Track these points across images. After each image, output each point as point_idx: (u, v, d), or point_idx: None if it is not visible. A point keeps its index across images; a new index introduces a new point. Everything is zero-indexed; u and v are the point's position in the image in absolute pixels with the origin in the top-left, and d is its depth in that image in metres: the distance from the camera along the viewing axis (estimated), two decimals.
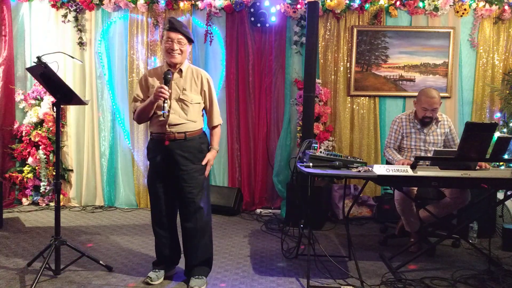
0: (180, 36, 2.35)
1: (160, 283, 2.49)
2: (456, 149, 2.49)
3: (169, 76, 2.31)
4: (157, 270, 2.54)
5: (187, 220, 2.44)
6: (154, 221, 2.53)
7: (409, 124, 3.12)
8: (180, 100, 2.39)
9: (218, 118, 2.56)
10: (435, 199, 3.04)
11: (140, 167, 4.41)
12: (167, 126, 2.36)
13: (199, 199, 2.42)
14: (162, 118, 2.34)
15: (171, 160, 2.39)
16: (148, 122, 2.50)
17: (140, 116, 2.45)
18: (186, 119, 2.39)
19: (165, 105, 2.25)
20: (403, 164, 2.78)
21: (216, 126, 2.55)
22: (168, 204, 2.48)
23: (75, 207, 4.41)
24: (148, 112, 2.40)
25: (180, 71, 2.43)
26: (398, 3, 4.12)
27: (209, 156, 2.48)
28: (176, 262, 2.66)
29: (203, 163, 2.44)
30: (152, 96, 2.31)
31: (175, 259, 2.63)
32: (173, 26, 2.34)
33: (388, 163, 3.15)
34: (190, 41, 2.45)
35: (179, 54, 2.37)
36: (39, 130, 4.32)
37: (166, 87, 2.27)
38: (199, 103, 2.45)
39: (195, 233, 2.44)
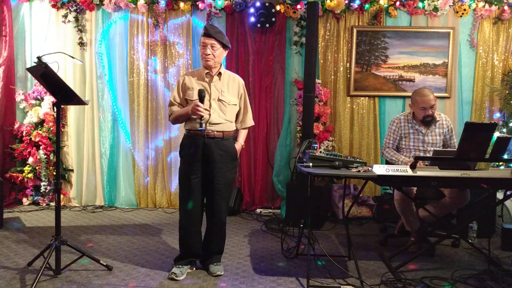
0: (214, 42, 2.50)
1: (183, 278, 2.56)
2: (454, 149, 2.49)
3: (203, 94, 2.44)
4: (180, 266, 2.61)
5: (216, 213, 2.62)
6: (185, 215, 2.62)
7: (407, 124, 3.12)
8: (219, 101, 2.56)
9: (252, 120, 2.78)
10: (435, 199, 3.04)
11: (140, 167, 4.42)
12: (208, 124, 2.51)
13: (226, 195, 2.64)
14: (200, 128, 2.45)
15: (208, 156, 2.54)
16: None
17: (177, 121, 2.65)
18: (224, 119, 2.57)
19: (202, 121, 2.42)
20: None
21: (247, 128, 2.79)
22: (200, 198, 2.62)
23: (76, 207, 4.41)
24: (183, 120, 2.60)
25: (220, 74, 2.60)
26: (397, 3, 4.13)
27: (237, 147, 2.69)
28: (200, 256, 2.72)
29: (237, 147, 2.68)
30: (190, 110, 2.46)
31: (199, 253, 2.70)
32: (207, 32, 2.50)
33: (387, 163, 3.15)
34: (225, 46, 2.58)
35: (212, 58, 2.52)
36: (40, 130, 4.32)
37: (202, 105, 2.42)
38: (235, 105, 2.64)
39: (221, 225, 2.66)
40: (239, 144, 2.72)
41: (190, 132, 2.58)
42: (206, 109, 2.48)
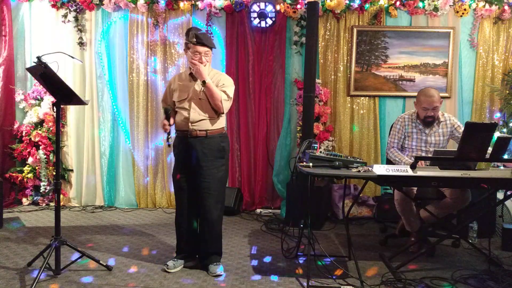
0: (207, 49, 2.58)
1: (177, 271, 2.65)
2: (455, 149, 2.49)
3: (169, 112, 2.63)
4: (175, 260, 2.70)
5: (205, 212, 2.64)
6: (176, 212, 2.75)
7: (411, 124, 3.11)
8: (200, 100, 2.60)
9: (223, 95, 2.59)
10: (435, 199, 3.04)
11: (140, 167, 4.41)
12: (189, 124, 2.58)
13: (215, 194, 2.63)
14: (168, 142, 2.65)
15: (193, 155, 2.60)
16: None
17: None
18: (205, 115, 2.60)
19: (169, 136, 2.64)
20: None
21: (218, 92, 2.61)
22: (190, 197, 2.68)
23: (75, 207, 4.41)
24: None
25: None
26: (398, 3, 4.12)
27: (203, 69, 2.53)
28: (195, 253, 2.77)
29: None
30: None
31: (193, 250, 2.76)
32: (201, 41, 2.54)
33: (390, 163, 3.14)
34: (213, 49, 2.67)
35: (204, 66, 2.57)
36: (39, 130, 4.32)
37: (167, 122, 2.62)
38: None
39: (210, 223, 2.65)
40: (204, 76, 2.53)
41: (177, 131, 2.69)
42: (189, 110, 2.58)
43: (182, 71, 2.80)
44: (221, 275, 2.61)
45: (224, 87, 2.63)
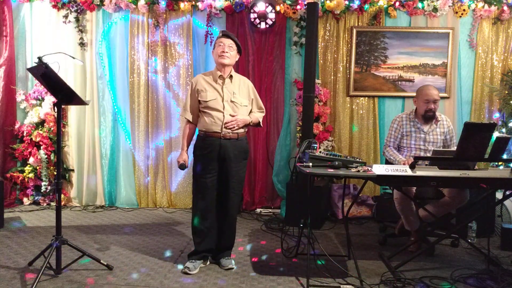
0: (231, 42, 2.67)
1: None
2: (454, 149, 2.50)
3: (184, 168, 2.74)
4: (193, 260, 2.70)
5: (229, 209, 2.74)
6: (200, 212, 2.71)
7: (409, 123, 3.14)
8: (232, 102, 2.67)
9: (259, 114, 2.86)
10: (434, 199, 3.05)
11: (141, 167, 4.43)
12: (223, 126, 2.62)
13: (238, 193, 2.79)
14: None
15: (223, 157, 2.65)
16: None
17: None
18: None
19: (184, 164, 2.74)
20: (404, 164, 2.78)
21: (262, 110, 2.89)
22: (214, 196, 2.73)
23: (76, 206, 4.42)
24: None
25: (231, 77, 2.72)
26: (397, 4, 4.14)
27: (240, 116, 2.67)
28: (213, 252, 2.81)
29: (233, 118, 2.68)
30: (179, 156, 2.77)
31: (213, 248, 2.79)
32: (226, 34, 2.68)
33: (387, 162, 3.17)
34: (239, 51, 2.74)
35: (228, 57, 2.65)
36: (40, 130, 4.33)
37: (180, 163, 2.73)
38: (247, 106, 2.76)
39: (233, 220, 2.80)
40: (246, 118, 2.71)
41: (206, 133, 2.66)
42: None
43: (206, 72, 2.81)
44: (233, 268, 2.72)
45: (256, 99, 2.83)
